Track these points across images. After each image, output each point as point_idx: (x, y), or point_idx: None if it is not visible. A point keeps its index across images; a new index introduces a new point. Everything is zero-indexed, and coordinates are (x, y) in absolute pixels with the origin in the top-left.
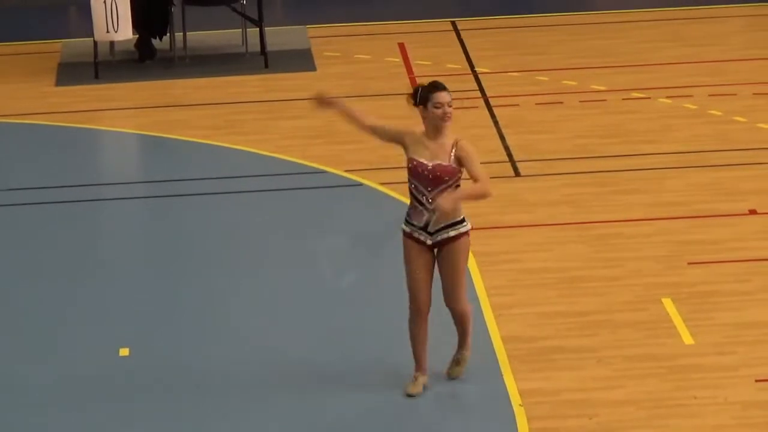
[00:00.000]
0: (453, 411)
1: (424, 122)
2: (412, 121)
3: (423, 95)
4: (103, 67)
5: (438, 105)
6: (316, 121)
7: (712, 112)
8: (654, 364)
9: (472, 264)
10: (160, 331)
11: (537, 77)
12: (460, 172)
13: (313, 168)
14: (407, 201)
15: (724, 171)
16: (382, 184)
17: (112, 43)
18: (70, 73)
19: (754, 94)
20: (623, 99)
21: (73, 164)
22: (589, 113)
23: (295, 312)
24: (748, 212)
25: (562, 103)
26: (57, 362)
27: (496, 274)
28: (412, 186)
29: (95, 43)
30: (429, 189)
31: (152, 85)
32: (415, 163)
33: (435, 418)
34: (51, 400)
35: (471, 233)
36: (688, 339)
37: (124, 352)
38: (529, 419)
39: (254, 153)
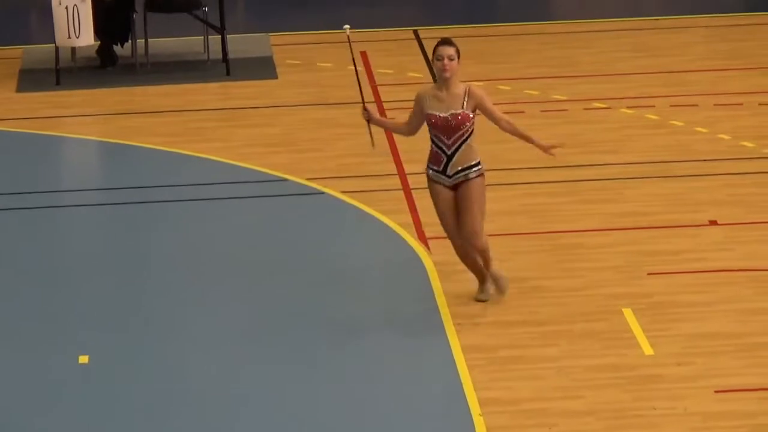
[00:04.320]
0: (411, 420)
1: (436, 81)
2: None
3: (433, 51)
4: (65, 73)
5: (439, 57)
6: (277, 129)
7: (673, 122)
8: (613, 375)
9: (432, 273)
10: (120, 338)
11: (499, 86)
12: (474, 116)
13: (275, 176)
14: (368, 209)
15: (685, 181)
16: (344, 192)
17: (73, 50)
18: (31, 79)
19: (714, 105)
20: (584, 109)
21: (33, 171)
22: (550, 123)
23: (256, 321)
24: (708, 223)
25: (523, 112)
26: (16, 369)
27: (456, 283)
28: (433, 135)
29: (57, 49)
30: (446, 137)
31: (113, 91)
32: (431, 116)
33: (392, 429)
34: (9, 407)
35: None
36: (647, 349)
37: (84, 359)
38: (489, 429)
39: (215, 160)
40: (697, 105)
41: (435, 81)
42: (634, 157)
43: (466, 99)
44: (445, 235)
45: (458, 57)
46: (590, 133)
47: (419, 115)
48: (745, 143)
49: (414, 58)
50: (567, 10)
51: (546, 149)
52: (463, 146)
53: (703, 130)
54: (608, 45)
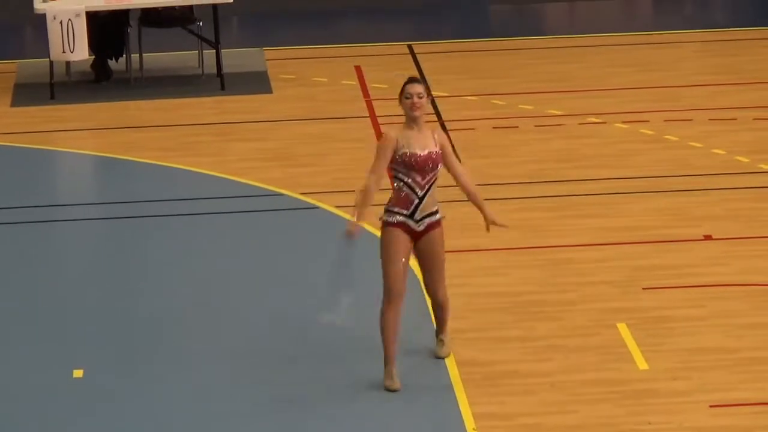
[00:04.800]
0: None
1: (406, 121)
2: (367, 143)
3: (401, 90)
4: (59, 87)
5: (408, 95)
6: (272, 143)
7: (668, 137)
8: (608, 389)
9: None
10: (115, 353)
11: (493, 101)
12: None
13: (270, 191)
14: (363, 224)
15: (680, 196)
16: (338, 207)
17: (68, 64)
18: (25, 93)
19: (709, 119)
20: (579, 124)
21: (28, 185)
22: (545, 138)
23: (251, 335)
24: (703, 238)
25: (518, 127)
26: (10, 382)
27: (451, 298)
28: (405, 176)
29: (51, 63)
30: (421, 177)
31: (108, 106)
32: (411, 156)
33: None
34: (2, 421)
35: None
36: (642, 364)
37: (78, 373)
38: None
39: (210, 175)
40: (691, 120)
41: (405, 120)
42: (629, 171)
43: (435, 138)
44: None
45: (427, 95)
46: (585, 148)
47: (388, 159)
48: (740, 158)
49: (408, 72)
50: (560, 25)
51: (495, 223)
52: (432, 189)
53: (698, 145)
54: (602, 60)
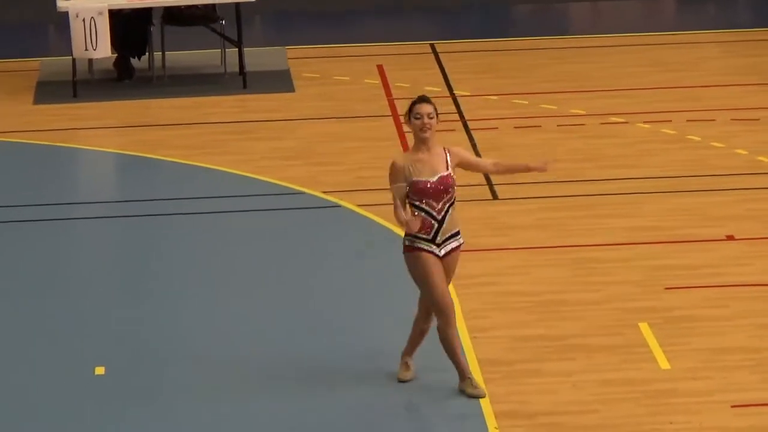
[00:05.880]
0: None
1: (414, 142)
2: (389, 141)
3: (408, 110)
4: (82, 85)
5: (417, 116)
6: (293, 142)
7: (690, 137)
8: (629, 389)
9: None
10: (137, 349)
11: (515, 101)
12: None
13: (291, 189)
14: (384, 222)
15: (702, 196)
16: (360, 205)
17: (90, 62)
18: (48, 91)
19: (731, 119)
20: (601, 123)
21: (50, 183)
22: (567, 137)
23: (270, 334)
24: (725, 238)
25: (540, 126)
26: (32, 379)
27: (473, 297)
28: (419, 203)
29: (74, 61)
30: (436, 201)
31: (130, 104)
32: (420, 183)
33: None
34: (25, 419)
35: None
36: (664, 364)
37: (100, 370)
38: None
39: (232, 173)
40: (714, 120)
41: (414, 142)
42: (651, 171)
43: (448, 159)
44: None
45: (437, 115)
46: (607, 147)
47: (403, 187)
48: (762, 158)
49: (430, 72)
50: (583, 25)
51: (542, 168)
52: (451, 210)
53: (720, 145)
54: (625, 60)
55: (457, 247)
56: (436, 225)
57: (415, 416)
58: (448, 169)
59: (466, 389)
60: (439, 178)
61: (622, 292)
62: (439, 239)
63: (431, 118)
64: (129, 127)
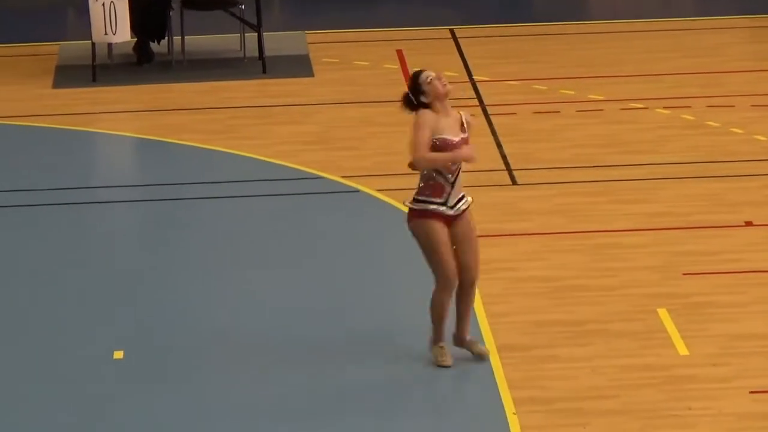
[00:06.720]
0: (446, 418)
1: (433, 108)
2: (408, 127)
3: (414, 89)
4: (101, 70)
5: (438, 77)
6: (313, 126)
7: (710, 123)
8: (648, 375)
9: None
10: (156, 334)
11: (535, 86)
12: None
13: (310, 173)
14: (403, 207)
15: (721, 182)
16: (379, 190)
17: (110, 46)
18: (67, 75)
19: (751, 105)
20: (621, 109)
21: (70, 167)
22: (586, 123)
23: (290, 318)
24: (744, 224)
25: (559, 112)
26: (50, 363)
27: (492, 282)
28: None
29: (93, 45)
30: (453, 164)
31: (150, 88)
32: (448, 141)
33: (426, 427)
34: (45, 403)
35: None
36: (682, 350)
37: (119, 354)
38: (523, 428)
39: (251, 158)
40: (733, 106)
41: (433, 107)
42: (670, 157)
43: (464, 120)
44: (479, 233)
45: None
46: (626, 133)
47: (428, 136)
48: None
49: (450, 57)
50: (603, 10)
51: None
52: (459, 173)
53: (739, 131)
54: (644, 45)
55: (467, 208)
56: (448, 188)
57: (431, 400)
58: (464, 131)
59: (437, 358)
60: (460, 139)
61: (640, 278)
62: (451, 201)
63: (440, 79)
64: (148, 112)
